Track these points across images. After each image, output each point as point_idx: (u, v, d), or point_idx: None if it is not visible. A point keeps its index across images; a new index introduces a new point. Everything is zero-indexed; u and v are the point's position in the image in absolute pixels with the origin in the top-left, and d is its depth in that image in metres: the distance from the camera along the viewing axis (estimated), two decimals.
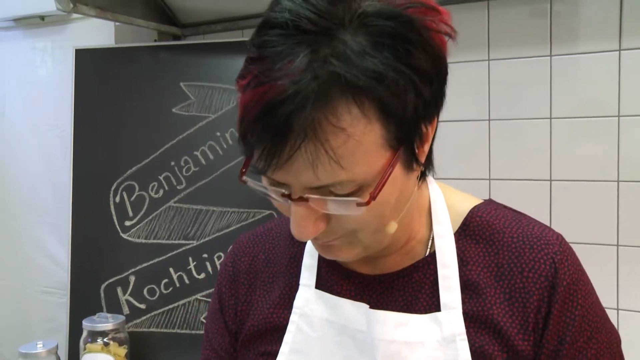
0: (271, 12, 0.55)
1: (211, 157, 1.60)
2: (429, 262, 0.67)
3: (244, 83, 0.55)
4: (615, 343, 0.69)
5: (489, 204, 0.71)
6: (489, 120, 1.37)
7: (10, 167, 2.05)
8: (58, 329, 1.82)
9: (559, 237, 0.68)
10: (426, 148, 0.60)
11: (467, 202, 0.71)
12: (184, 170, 1.61)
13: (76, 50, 1.72)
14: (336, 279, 0.70)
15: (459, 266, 0.66)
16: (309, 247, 0.72)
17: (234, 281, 0.76)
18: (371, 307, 0.66)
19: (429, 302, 0.66)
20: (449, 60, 0.60)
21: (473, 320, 0.64)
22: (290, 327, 0.69)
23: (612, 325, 0.70)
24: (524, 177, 1.34)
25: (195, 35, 1.79)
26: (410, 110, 0.54)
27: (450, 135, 1.38)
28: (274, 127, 0.52)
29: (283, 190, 0.57)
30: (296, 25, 0.52)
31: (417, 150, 0.58)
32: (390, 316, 0.65)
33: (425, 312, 0.65)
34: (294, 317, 0.69)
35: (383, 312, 0.65)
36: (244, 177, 0.59)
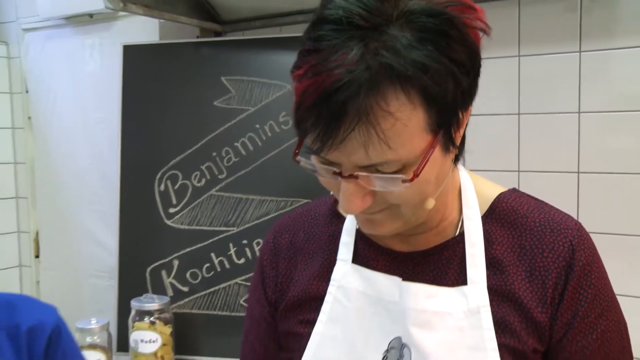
0: (325, 9, 0.60)
1: (251, 148, 1.67)
2: (458, 242, 0.73)
3: (300, 73, 0.59)
4: (623, 324, 0.75)
5: (514, 191, 0.77)
6: (519, 114, 1.42)
7: (60, 158, 2.15)
8: (106, 310, 1.92)
9: (577, 223, 0.73)
10: (461, 133, 0.66)
11: (494, 190, 0.77)
12: (224, 160, 1.69)
13: (124, 46, 1.81)
14: (372, 255, 0.76)
15: (485, 246, 0.72)
16: (347, 225, 0.78)
17: (275, 255, 0.83)
18: (403, 280, 0.72)
19: (456, 277, 0.72)
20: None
21: (496, 294, 0.70)
22: (327, 298, 0.75)
23: (621, 310, 0.75)
24: (553, 169, 1.39)
25: (235, 32, 1.86)
26: (450, 98, 0.60)
27: (481, 129, 1.43)
28: (330, 112, 0.57)
29: (334, 169, 0.62)
30: (349, 21, 0.58)
31: (454, 135, 0.64)
32: (421, 288, 0.71)
33: (453, 286, 0.71)
34: (331, 289, 0.75)
35: (415, 284, 0.71)
36: (297, 159, 0.65)
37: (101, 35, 2.03)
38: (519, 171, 1.43)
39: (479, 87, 0.66)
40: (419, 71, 0.57)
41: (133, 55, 1.81)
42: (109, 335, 1.59)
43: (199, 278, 1.69)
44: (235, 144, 1.68)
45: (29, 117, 2.23)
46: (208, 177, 1.70)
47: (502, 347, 0.68)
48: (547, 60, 1.37)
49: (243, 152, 1.68)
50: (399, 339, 0.70)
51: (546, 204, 0.76)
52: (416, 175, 0.60)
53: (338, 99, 0.57)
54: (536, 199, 0.77)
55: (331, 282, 0.76)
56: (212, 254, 1.69)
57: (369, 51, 0.57)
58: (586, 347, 0.70)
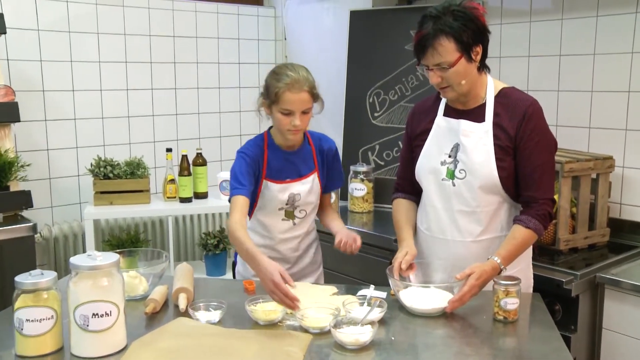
0: (426, 10, 1.60)
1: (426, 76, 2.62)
2: (484, 106, 1.66)
3: (416, 32, 1.60)
4: (553, 145, 1.65)
5: (512, 87, 1.68)
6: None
7: None
8: None
9: (534, 100, 1.63)
10: (477, 57, 1.59)
11: (502, 85, 1.68)
12: (409, 83, 2.68)
13: (350, 11, 2.84)
14: (450, 111, 1.71)
15: (494, 106, 1.64)
16: (443, 101, 1.72)
17: (412, 115, 1.83)
18: (460, 119, 1.67)
19: (480, 119, 1.65)
20: None
21: (495, 125, 1.63)
22: (431, 130, 1.73)
23: (554, 141, 1.65)
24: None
25: (419, 0, 2.79)
26: (466, 40, 1.56)
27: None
28: (422, 46, 1.58)
29: (426, 67, 1.61)
30: (430, 15, 1.59)
31: (472, 56, 1.58)
32: (467, 122, 1.65)
33: (479, 123, 1.64)
34: (433, 126, 1.73)
35: (464, 120, 1.66)
36: (417, 67, 1.64)
37: (335, 2, 3.05)
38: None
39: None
40: (452, 30, 1.55)
41: (356, 16, 2.84)
42: None
43: (391, 157, 2.73)
44: (417, 73, 2.65)
45: (286, 56, 3.37)
46: (399, 93, 2.71)
47: (495, 145, 1.61)
48: None
49: (421, 78, 2.65)
50: (456, 143, 1.67)
51: (523, 92, 1.67)
52: (452, 67, 1.56)
53: (424, 41, 1.56)
54: (519, 90, 1.68)
55: (434, 123, 1.74)
56: (399, 142, 2.70)
57: (435, 25, 1.55)
58: (528, 148, 1.60)
